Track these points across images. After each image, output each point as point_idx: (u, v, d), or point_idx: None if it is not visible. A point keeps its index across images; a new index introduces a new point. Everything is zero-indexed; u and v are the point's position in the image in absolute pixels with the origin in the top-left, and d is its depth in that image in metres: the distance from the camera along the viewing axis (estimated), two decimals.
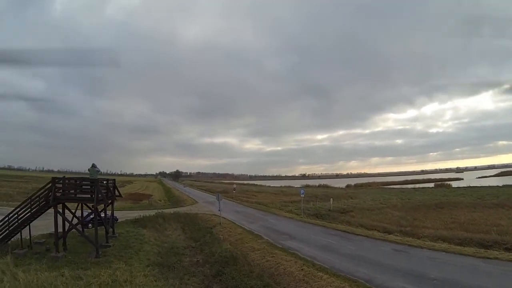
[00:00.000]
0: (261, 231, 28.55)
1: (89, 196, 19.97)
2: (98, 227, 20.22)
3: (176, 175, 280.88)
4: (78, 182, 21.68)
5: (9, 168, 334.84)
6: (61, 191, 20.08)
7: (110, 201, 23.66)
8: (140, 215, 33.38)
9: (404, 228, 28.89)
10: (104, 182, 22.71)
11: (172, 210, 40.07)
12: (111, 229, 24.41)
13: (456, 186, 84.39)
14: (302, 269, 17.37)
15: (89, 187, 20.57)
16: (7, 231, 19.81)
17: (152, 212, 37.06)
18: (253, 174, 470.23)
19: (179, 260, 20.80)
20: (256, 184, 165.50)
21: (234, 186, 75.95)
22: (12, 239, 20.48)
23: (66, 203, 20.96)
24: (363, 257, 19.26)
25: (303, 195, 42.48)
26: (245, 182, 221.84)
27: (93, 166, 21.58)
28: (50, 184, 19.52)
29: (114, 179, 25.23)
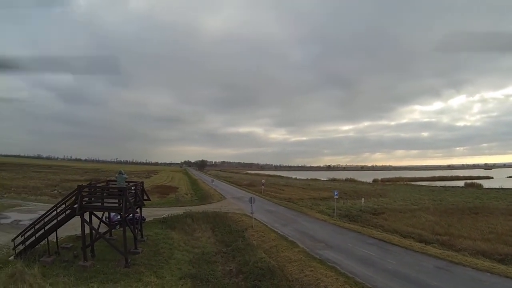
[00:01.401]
0: (296, 237, 27.64)
1: (116, 204, 19.34)
2: (125, 229, 19.72)
3: (202, 165, 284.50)
4: (105, 191, 21.25)
5: (38, 157, 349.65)
6: (87, 199, 19.66)
7: (138, 207, 23.10)
8: (168, 215, 32.91)
9: (440, 236, 27.75)
10: (132, 188, 22.12)
11: (200, 208, 39.65)
12: (139, 233, 23.95)
13: (487, 187, 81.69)
14: None
15: (116, 195, 19.99)
16: (34, 238, 19.50)
17: (180, 210, 36.75)
18: (278, 164, 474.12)
19: (211, 270, 20.02)
20: (282, 176, 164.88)
21: (263, 181, 74.69)
22: (39, 244, 20.20)
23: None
24: (405, 275, 18.30)
25: (336, 197, 41.68)
26: (271, 173, 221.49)
27: (120, 173, 21.05)
28: (76, 192, 19.02)
29: (142, 182, 24.68)
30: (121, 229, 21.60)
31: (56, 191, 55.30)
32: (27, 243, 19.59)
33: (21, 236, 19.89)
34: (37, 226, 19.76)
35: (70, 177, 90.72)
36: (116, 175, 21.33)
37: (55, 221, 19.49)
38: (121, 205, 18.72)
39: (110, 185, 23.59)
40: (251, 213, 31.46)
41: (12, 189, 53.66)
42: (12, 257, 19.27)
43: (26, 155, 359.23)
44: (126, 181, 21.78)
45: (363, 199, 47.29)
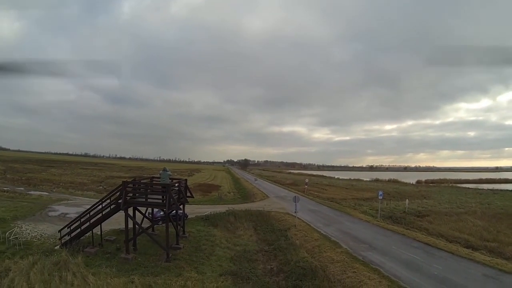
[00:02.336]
0: (339, 237, 26.94)
1: (160, 200, 19.58)
2: (168, 224, 19.90)
3: (245, 164, 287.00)
4: (149, 187, 21.68)
5: (86, 155, 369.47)
6: (131, 194, 20.11)
7: (181, 204, 23.33)
8: (210, 212, 33.12)
9: (488, 243, 26.13)
10: (176, 185, 22.32)
11: (243, 207, 39.73)
12: (181, 229, 24.16)
13: None
14: None
15: (160, 191, 20.24)
16: (79, 230, 20.16)
17: (222, 208, 36.91)
18: (321, 164, 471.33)
19: (252, 268, 19.72)
20: (325, 176, 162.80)
21: (307, 180, 73.93)
22: (84, 236, 20.87)
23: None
24: (452, 282, 17.27)
25: (381, 197, 40.64)
26: (314, 173, 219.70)
27: (165, 170, 21.33)
28: (120, 187, 19.45)
29: (186, 180, 24.95)
30: (164, 225, 21.89)
31: (101, 187, 57.84)
32: (72, 234, 20.47)
33: (67, 228, 20.81)
34: (83, 219, 20.51)
35: (115, 174, 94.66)
36: (160, 171, 21.67)
37: (100, 214, 20.15)
38: (164, 201, 18.91)
39: (154, 182, 24.06)
40: (295, 212, 30.89)
41: (61, 184, 56.96)
42: (58, 246, 20.16)
43: (74, 153, 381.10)
44: (170, 178, 22.02)
45: (407, 200, 45.53)
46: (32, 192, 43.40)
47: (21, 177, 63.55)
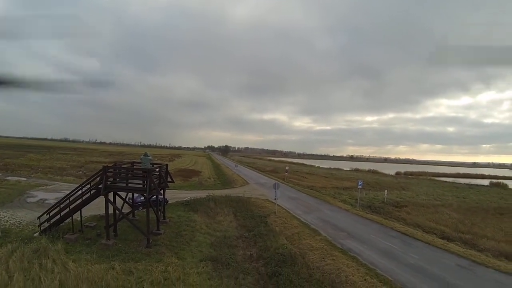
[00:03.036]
0: (318, 225, 27.51)
1: (141, 185, 19.53)
2: (149, 210, 20.02)
3: (225, 150, 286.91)
4: (130, 172, 21.45)
5: (65, 140, 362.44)
6: (112, 179, 19.92)
7: (162, 189, 23.32)
8: (191, 198, 33.25)
9: (463, 235, 27.54)
10: (157, 170, 22.27)
11: (223, 192, 40.00)
12: (161, 214, 24.26)
13: None
14: (365, 280, 16.29)
15: (141, 176, 20.15)
16: (59, 216, 20.00)
17: (202, 194, 37.12)
18: (302, 152, 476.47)
19: (232, 254, 20.11)
20: (306, 164, 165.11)
21: (287, 168, 74.59)
22: (64, 222, 20.71)
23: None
24: (427, 271, 17.99)
25: (360, 187, 41.61)
26: (294, 160, 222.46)
27: (146, 154, 21.27)
28: (101, 172, 19.30)
29: (167, 165, 24.82)
30: (144, 210, 21.93)
31: (81, 172, 57.05)
32: (52, 220, 20.20)
33: (47, 214, 20.52)
34: (62, 205, 20.26)
35: (95, 159, 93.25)
36: (141, 156, 21.56)
37: (80, 200, 19.90)
38: (145, 186, 18.88)
39: (135, 167, 23.96)
40: (275, 199, 31.31)
41: (39, 169, 55.69)
42: (37, 233, 19.90)
43: (52, 138, 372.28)
44: (150, 163, 21.98)
45: (386, 191, 46.97)
46: (9, 178, 42.38)
47: None
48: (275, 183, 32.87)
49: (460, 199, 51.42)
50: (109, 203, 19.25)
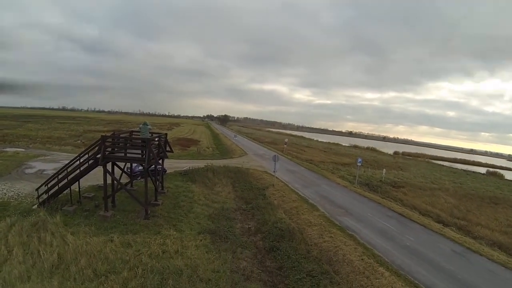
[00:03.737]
0: (316, 200, 27.59)
1: (139, 156, 19.23)
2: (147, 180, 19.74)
3: (224, 119, 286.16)
4: (128, 141, 20.91)
5: (63, 109, 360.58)
6: (110, 149, 19.56)
7: (161, 159, 23.08)
8: (189, 167, 33.09)
9: (458, 220, 27.68)
10: (156, 139, 21.85)
11: (221, 163, 39.90)
12: (160, 185, 24.13)
13: (510, 178, 77.48)
14: (362, 259, 16.40)
15: (140, 145, 19.83)
16: (57, 188, 19.78)
17: (201, 163, 37.03)
18: (301, 125, 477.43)
19: (230, 227, 20.10)
20: (304, 137, 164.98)
21: (286, 140, 74.46)
22: (62, 193, 20.52)
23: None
24: (422, 254, 18.17)
25: (360, 164, 41.56)
26: (293, 133, 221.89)
27: (145, 124, 20.83)
28: (99, 142, 18.92)
29: (166, 134, 24.32)
30: (142, 180, 21.73)
31: (79, 141, 56.63)
32: (50, 192, 19.96)
33: (45, 186, 20.24)
34: (60, 176, 19.96)
35: (93, 128, 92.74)
36: (140, 125, 21.14)
37: (77, 171, 19.62)
38: (144, 156, 18.59)
39: (134, 136, 23.61)
40: (274, 172, 31.21)
41: (38, 139, 55.23)
42: (36, 206, 19.71)
43: (51, 107, 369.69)
44: (150, 132, 21.63)
45: (384, 170, 46.95)
46: (7, 149, 41.87)
47: None
48: (275, 155, 32.70)
49: (457, 184, 51.35)
50: (107, 174, 19.00)
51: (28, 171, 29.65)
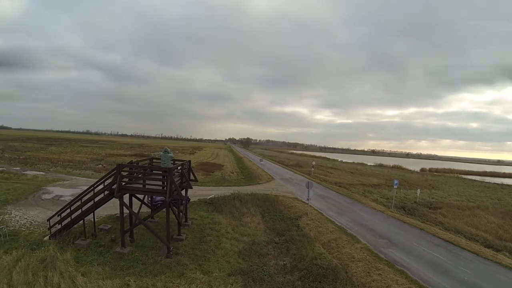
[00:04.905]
0: (355, 229, 24.99)
1: (160, 187, 17.05)
2: (169, 213, 17.48)
3: (247, 142, 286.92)
4: (148, 171, 18.81)
5: (87, 133, 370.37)
6: (127, 180, 17.49)
7: (184, 189, 20.85)
8: (214, 195, 30.80)
9: (507, 243, 25.17)
10: (179, 168, 19.71)
11: (248, 189, 37.58)
12: (183, 216, 21.92)
13: None
14: None
15: (160, 176, 17.65)
16: (70, 219, 17.84)
17: (226, 190, 34.89)
18: (323, 146, 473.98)
19: (264, 265, 17.55)
20: (329, 158, 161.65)
21: (313, 163, 71.67)
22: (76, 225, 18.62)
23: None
24: None
25: (396, 186, 38.94)
26: (317, 154, 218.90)
27: (165, 151, 18.65)
28: (115, 171, 16.93)
29: (190, 162, 22.28)
30: (165, 209, 19.54)
31: (100, 165, 56.15)
32: (63, 223, 18.14)
33: (58, 216, 18.53)
34: (73, 207, 18.11)
35: (115, 151, 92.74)
36: (161, 153, 18.97)
37: (92, 202, 17.65)
38: (165, 188, 16.44)
39: (154, 164, 21.71)
40: (308, 200, 28.56)
41: (59, 163, 55.11)
42: (47, 237, 17.95)
43: (75, 130, 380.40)
44: (171, 160, 19.57)
45: (418, 190, 43.93)
46: (28, 172, 41.37)
47: (19, 156, 61.62)
48: (308, 182, 29.98)
49: (495, 200, 47.97)
50: (123, 207, 16.90)
51: (45, 196, 28.35)
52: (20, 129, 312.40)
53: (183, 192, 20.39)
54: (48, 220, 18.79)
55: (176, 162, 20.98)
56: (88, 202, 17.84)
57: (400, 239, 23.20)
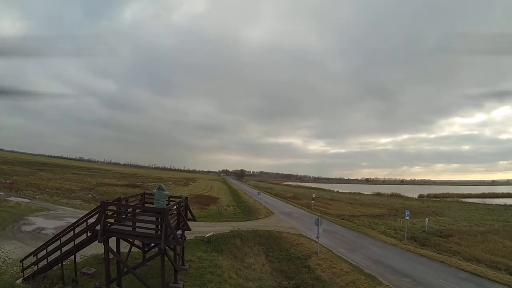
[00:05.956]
0: (372, 268, 22.60)
1: (153, 231, 14.30)
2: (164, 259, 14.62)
3: (241, 174, 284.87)
4: (138, 211, 16.03)
5: (80, 160, 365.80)
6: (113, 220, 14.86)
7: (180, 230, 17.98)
8: (213, 234, 27.87)
9: None
10: (175, 207, 16.77)
11: (248, 225, 34.88)
12: (179, 259, 18.94)
13: None
14: None
15: (154, 218, 15.05)
16: (46, 262, 15.03)
17: (224, 227, 32.08)
18: (317, 176, 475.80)
19: None
20: (325, 189, 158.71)
21: (313, 195, 68.86)
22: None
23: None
24: None
25: (408, 217, 37.11)
26: (312, 185, 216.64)
27: (160, 188, 16.02)
28: (98, 209, 14.26)
29: (187, 198, 19.45)
30: (156, 248, 16.72)
31: (90, 195, 53.01)
32: (40, 265, 15.39)
33: (33, 256, 15.68)
34: (50, 248, 15.32)
35: (107, 180, 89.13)
36: (155, 190, 16.26)
37: (72, 244, 14.88)
38: (159, 232, 13.77)
39: (146, 199, 19.30)
40: (317, 238, 25.88)
41: (46, 190, 51.96)
42: (20, 280, 15.23)
43: (68, 156, 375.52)
44: (167, 199, 17.15)
45: (427, 219, 41.53)
46: (11, 199, 38.20)
47: (5, 180, 58.15)
48: (318, 218, 27.32)
49: (503, 223, 47.31)
50: (109, 252, 14.09)
51: (25, 228, 25.33)
52: (13, 151, 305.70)
53: (178, 233, 17.54)
54: (21, 261, 15.97)
55: (171, 200, 18.30)
56: (68, 243, 15.08)
57: (423, 276, 21.15)
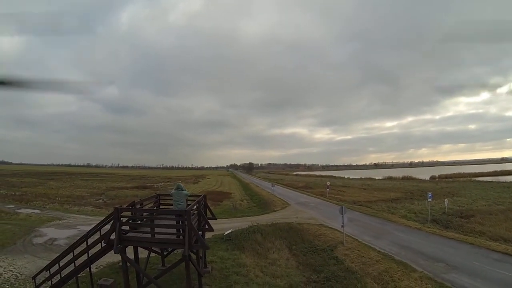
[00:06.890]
0: (402, 254, 21.59)
1: (174, 236, 13.01)
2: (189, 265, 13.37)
3: (249, 167, 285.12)
4: (155, 215, 15.07)
5: (88, 166, 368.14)
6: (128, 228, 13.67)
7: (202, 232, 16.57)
8: (231, 230, 26.76)
9: None
10: (195, 207, 15.30)
11: (266, 219, 34.00)
12: (202, 261, 17.78)
13: None
14: None
15: (174, 221, 13.81)
16: (59, 277, 13.96)
17: (242, 222, 31.29)
18: (325, 164, 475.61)
19: None
20: (335, 176, 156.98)
21: (328, 183, 67.39)
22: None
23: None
24: None
25: (430, 199, 35.75)
26: (322, 173, 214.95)
27: (178, 188, 14.80)
28: (112, 216, 13.04)
29: (205, 196, 18.04)
30: (180, 251, 15.55)
31: (101, 200, 52.82)
32: (53, 280, 14.34)
33: (46, 271, 14.64)
34: (62, 263, 14.23)
35: (116, 184, 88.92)
36: (173, 191, 14.96)
37: (85, 256, 13.73)
38: (182, 237, 12.49)
39: (161, 201, 18.10)
40: (342, 227, 24.66)
41: (57, 199, 51.86)
42: None
43: (76, 164, 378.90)
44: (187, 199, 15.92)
45: (446, 200, 40.13)
46: (21, 211, 37.95)
47: (15, 193, 58.16)
48: (342, 207, 26.09)
49: None
50: (126, 263, 12.92)
51: (36, 240, 24.54)
52: (21, 163, 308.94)
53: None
54: (33, 277, 15.04)
55: (189, 198, 17.03)
56: (82, 255, 13.97)
57: (456, 260, 20.13)
